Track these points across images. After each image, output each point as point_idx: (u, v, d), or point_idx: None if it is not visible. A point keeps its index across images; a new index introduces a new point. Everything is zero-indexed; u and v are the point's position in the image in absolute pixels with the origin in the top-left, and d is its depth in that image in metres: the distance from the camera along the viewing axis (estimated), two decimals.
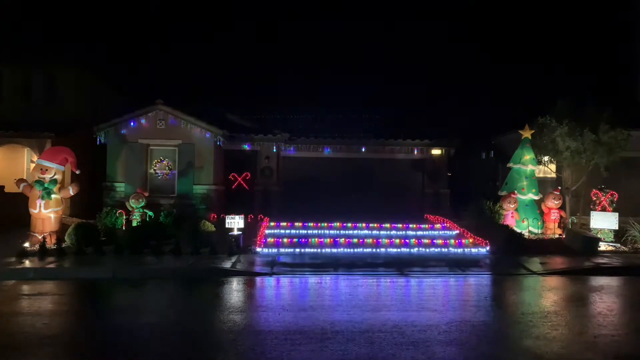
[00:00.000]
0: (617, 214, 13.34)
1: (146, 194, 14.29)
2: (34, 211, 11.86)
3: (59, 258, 10.85)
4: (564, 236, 13.89)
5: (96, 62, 18.88)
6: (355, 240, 13.14)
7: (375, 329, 6.60)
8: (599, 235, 13.24)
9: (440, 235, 14.01)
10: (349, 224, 14.25)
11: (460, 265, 11.24)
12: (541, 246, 13.06)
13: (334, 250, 12.42)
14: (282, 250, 12.30)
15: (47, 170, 11.92)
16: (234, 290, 9.15)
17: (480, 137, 20.94)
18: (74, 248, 11.44)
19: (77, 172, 12.74)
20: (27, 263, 10.43)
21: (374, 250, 12.55)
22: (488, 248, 12.64)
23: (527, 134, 15.05)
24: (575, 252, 12.45)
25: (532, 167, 15.03)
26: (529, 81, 22.73)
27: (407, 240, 13.06)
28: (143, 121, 15.51)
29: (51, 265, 10.27)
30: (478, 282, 10.04)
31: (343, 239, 13.12)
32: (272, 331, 6.51)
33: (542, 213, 14.78)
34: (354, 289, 9.12)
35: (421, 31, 28.60)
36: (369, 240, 13.13)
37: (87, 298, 8.80)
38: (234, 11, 30.41)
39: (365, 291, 9.07)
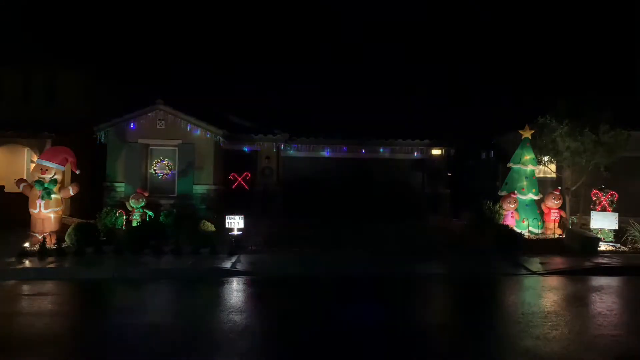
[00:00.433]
0: (617, 214, 13.34)
1: (146, 194, 14.29)
2: (34, 211, 11.86)
3: (59, 258, 10.84)
4: (564, 236, 13.88)
5: (96, 62, 18.86)
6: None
7: (375, 330, 6.59)
8: (599, 235, 13.24)
9: None
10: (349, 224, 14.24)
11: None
12: (541, 246, 13.06)
13: (334, 250, 12.40)
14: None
15: (47, 170, 11.92)
16: (234, 290, 9.15)
17: (480, 137, 20.94)
18: (74, 248, 11.43)
19: (77, 172, 12.74)
20: (27, 263, 10.42)
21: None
22: (488, 248, 12.62)
23: (527, 134, 15.05)
24: (575, 252, 12.45)
25: (532, 167, 15.03)
26: (529, 81, 22.73)
27: None
28: (143, 121, 15.51)
29: (51, 266, 10.27)
30: (478, 282, 10.04)
31: (343, 239, 13.10)
32: (272, 331, 6.50)
33: (542, 213, 14.78)
34: (355, 289, 9.10)
35: (421, 31, 28.60)
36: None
37: (87, 298, 8.80)
38: (233, 11, 30.40)
39: (365, 290, 9.05)
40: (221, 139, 15.86)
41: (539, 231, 14.39)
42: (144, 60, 22.40)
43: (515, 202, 14.43)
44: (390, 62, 27.72)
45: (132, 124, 15.47)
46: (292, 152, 17.70)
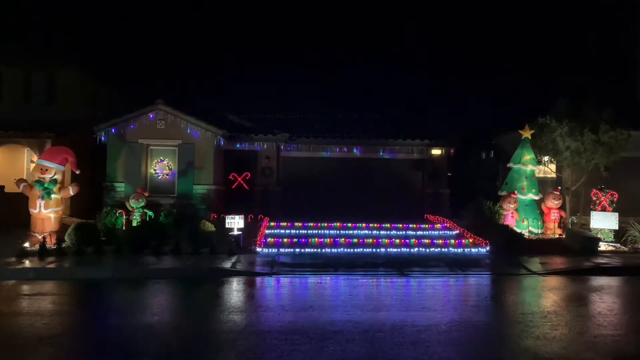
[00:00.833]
0: (617, 214, 13.35)
1: (146, 194, 14.29)
2: (34, 211, 11.87)
3: (58, 258, 10.85)
4: (564, 236, 13.89)
5: (96, 62, 18.86)
6: (355, 240, 13.15)
7: (375, 329, 6.59)
8: (599, 235, 13.25)
9: (440, 235, 14.01)
10: (349, 224, 14.25)
11: (460, 265, 11.24)
12: (541, 246, 13.06)
13: (334, 250, 12.42)
14: (282, 250, 12.30)
15: (47, 170, 11.92)
16: (234, 290, 9.15)
17: (480, 137, 20.94)
18: (74, 248, 11.44)
19: (77, 172, 12.74)
20: (27, 263, 10.43)
21: (374, 250, 12.56)
22: (488, 248, 12.64)
23: (527, 134, 15.05)
24: (575, 252, 12.45)
25: (532, 167, 15.03)
26: (529, 81, 22.73)
27: (407, 240, 13.06)
28: (143, 121, 15.51)
29: (51, 265, 10.27)
30: (478, 282, 10.05)
31: (343, 239, 13.12)
32: (272, 331, 6.50)
33: (542, 213, 14.78)
34: (354, 289, 9.12)
35: (421, 31, 28.61)
36: (369, 240, 13.14)
37: (87, 298, 8.80)
38: (233, 11, 30.41)
39: (365, 291, 9.07)
40: (221, 139, 15.85)
41: (539, 231, 14.39)
42: (144, 60, 22.43)
43: (515, 202, 14.43)
44: (390, 62, 27.74)
45: (132, 124, 15.46)
46: (292, 152, 17.69)
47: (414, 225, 14.51)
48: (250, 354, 5.71)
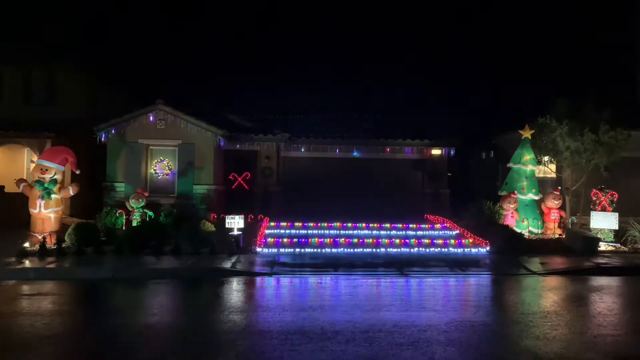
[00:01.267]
0: (617, 214, 13.34)
1: (146, 194, 14.29)
2: (34, 211, 11.86)
3: (59, 258, 10.84)
4: (564, 236, 13.89)
5: (96, 62, 18.85)
6: (355, 240, 13.14)
7: (375, 329, 6.59)
8: (599, 235, 13.24)
9: (440, 235, 14.01)
10: (349, 224, 14.25)
11: (461, 265, 11.24)
12: (541, 246, 13.06)
13: (334, 250, 12.42)
14: (282, 250, 12.30)
15: (47, 170, 11.92)
16: (234, 290, 9.15)
17: (480, 137, 20.94)
18: (74, 248, 11.43)
19: (77, 172, 12.74)
20: (27, 263, 10.42)
21: (374, 250, 12.56)
22: (488, 248, 12.64)
23: (527, 134, 15.05)
24: (575, 252, 12.45)
25: (532, 167, 15.03)
26: (529, 81, 22.73)
27: (407, 240, 13.06)
28: (143, 121, 15.51)
29: (51, 265, 10.27)
30: (478, 282, 10.04)
31: (343, 239, 13.12)
32: (272, 331, 6.50)
33: (542, 213, 14.78)
34: (354, 289, 9.12)
35: (421, 31, 28.61)
36: (369, 240, 13.13)
37: (87, 298, 8.80)
38: (233, 11, 30.40)
39: (365, 291, 9.07)
40: (221, 139, 15.85)
41: (539, 231, 14.39)
42: (145, 60, 22.41)
43: (515, 202, 14.43)
44: (390, 62, 27.74)
45: (132, 124, 15.46)
46: (292, 152, 17.68)
47: (414, 225, 14.51)
48: (250, 354, 5.71)
